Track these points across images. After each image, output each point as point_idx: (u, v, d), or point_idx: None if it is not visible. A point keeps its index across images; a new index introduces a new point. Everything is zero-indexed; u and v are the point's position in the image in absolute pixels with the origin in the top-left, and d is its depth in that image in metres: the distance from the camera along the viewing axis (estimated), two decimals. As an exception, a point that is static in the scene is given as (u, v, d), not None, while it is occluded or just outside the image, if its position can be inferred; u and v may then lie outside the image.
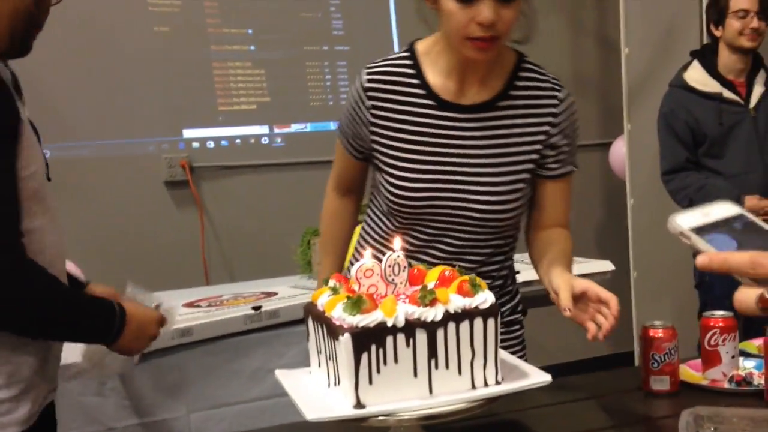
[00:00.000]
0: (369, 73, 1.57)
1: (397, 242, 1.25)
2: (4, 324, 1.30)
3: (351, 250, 1.81)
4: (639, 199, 3.62)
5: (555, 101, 1.56)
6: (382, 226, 1.66)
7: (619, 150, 3.79)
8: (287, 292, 2.31)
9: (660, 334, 1.49)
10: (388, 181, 1.57)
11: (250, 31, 3.46)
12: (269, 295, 2.38)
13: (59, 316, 1.35)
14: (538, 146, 1.56)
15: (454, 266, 1.25)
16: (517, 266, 2.69)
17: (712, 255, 0.76)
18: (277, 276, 2.79)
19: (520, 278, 2.55)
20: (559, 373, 1.35)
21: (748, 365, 1.54)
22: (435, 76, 1.55)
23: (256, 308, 2.22)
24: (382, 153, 1.58)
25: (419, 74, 1.55)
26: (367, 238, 1.70)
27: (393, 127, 1.56)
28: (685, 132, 2.84)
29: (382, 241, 1.65)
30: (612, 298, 1.40)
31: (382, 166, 1.58)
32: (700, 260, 0.76)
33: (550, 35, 4.16)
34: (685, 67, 2.93)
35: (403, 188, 1.55)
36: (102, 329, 1.40)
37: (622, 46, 3.60)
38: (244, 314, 2.20)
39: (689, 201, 2.82)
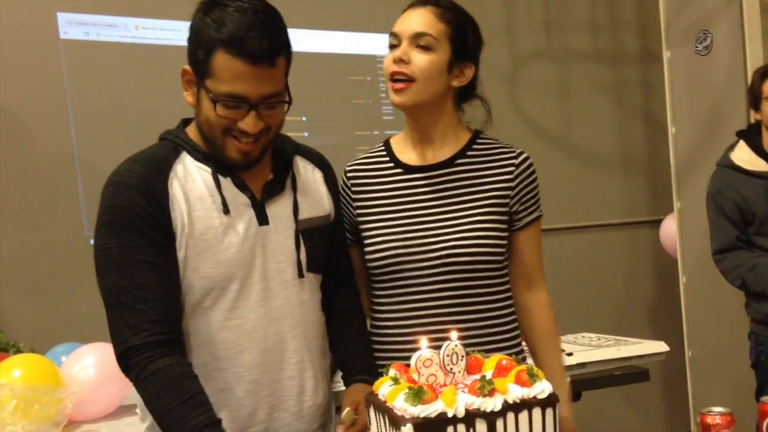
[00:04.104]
0: (348, 165, 1.86)
1: (454, 334, 1.30)
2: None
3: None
4: (691, 276, 3.60)
5: (513, 155, 1.76)
6: (374, 300, 1.81)
7: (670, 228, 3.80)
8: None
9: (717, 420, 1.49)
10: (367, 245, 1.76)
11: (304, 119, 3.59)
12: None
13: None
14: (501, 195, 1.73)
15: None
16: (569, 347, 2.72)
17: None
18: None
19: (573, 360, 2.58)
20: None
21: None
22: (401, 151, 1.80)
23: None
24: (363, 222, 1.78)
25: (390, 153, 1.81)
26: (373, 315, 1.83)
27: (370, 197, 1.79)
28: (733, 211, 2.85)
29: (377, 315, 1.79)
30: None
31: (364, 232, 1.78)
32: None
33: (597, 115, 4.24)
34: (731, 147, 2.95)
35: (379, 248, 1.73)
36: None
37: (668, 126, 3.66)
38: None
39: (742, 280, 2.81)
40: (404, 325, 1.73)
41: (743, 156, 2.90)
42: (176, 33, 3.23)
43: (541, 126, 4.01)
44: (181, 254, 1.47)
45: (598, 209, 4.15)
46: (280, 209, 1.59)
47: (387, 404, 1.20)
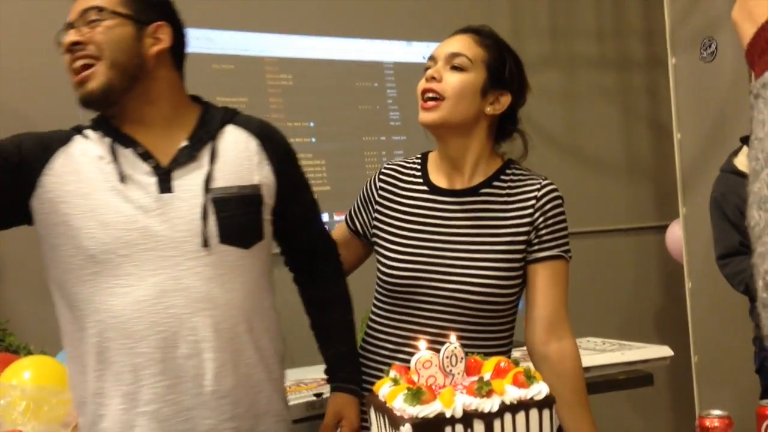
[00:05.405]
0: (385, 165, 1.84)
1: (453, 336, 1.32)
2: None
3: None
4: (697, 282, 3.61)
5: (537, 185, 1.71)
6: (375, 311, 1.79)
7: (676, 233, 3.80)
8: (348, 378, 2.37)
9: (716, 423, 1.51)
10: (381, 256, 1.75)
11: (311, 124, 3.62)
12: (330, 381, 2.43)
13: None
14: (522, 230, 1.68)
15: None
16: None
17: None
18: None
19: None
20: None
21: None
22: (433, 171, 1.78)
23: (318, 395, 2.28)
24: (379, 229, 1.77)
25: (423, 169, 1.79)
26: (370, 325, 1.81)
27: (392, 207, 1.77)
28: (736, 216, 2.85)
29: (376, 326, 1.78)
30: None
31: (379, 241, 1.76)
32: None
33: (603, 121, 4.25)
34: (735, 153, 2.96)
35: (393, 263, 1.71)
36: None
37: (674, 132, 3.67)
38: (306, 401, 2.26)
39: (745, 285, 2.82)
40: (397, 341, 1.73)
41: (746, 161, 2.90)
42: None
43: (547, 132, 4.03)
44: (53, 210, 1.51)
45: (604, 215, 4.16)
46: (189, 177, 1.55)
47: (387, 404, 1.22)
